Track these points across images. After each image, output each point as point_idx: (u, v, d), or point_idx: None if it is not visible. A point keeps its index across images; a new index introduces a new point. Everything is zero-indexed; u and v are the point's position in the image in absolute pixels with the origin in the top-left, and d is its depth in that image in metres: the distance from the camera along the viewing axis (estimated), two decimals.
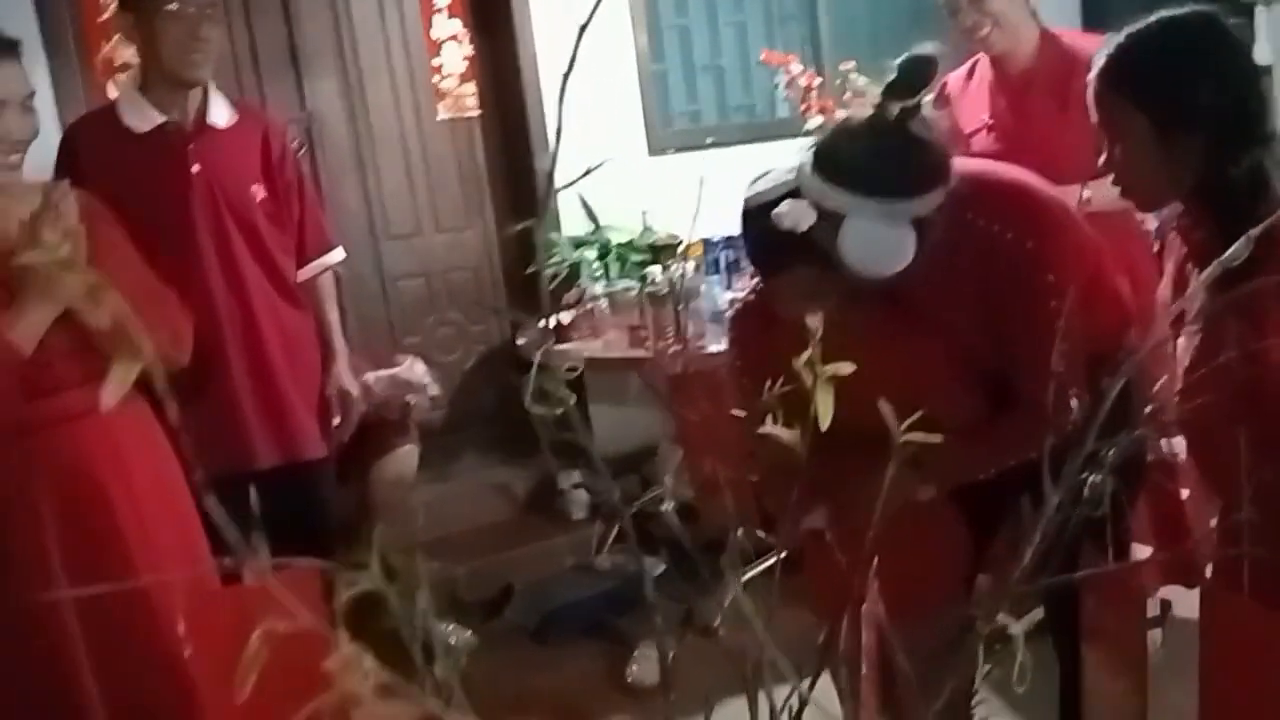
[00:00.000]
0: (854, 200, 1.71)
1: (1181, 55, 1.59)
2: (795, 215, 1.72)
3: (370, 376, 3.65)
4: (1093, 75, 1.63)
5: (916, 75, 1.73)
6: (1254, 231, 1.00)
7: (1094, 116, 1.64)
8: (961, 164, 1.88)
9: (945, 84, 3.11)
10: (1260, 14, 3.95)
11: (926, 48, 1.76)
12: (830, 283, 1.81)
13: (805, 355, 0.87)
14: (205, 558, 2.27)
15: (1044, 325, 1.68)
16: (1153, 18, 1.60)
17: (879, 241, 1.72)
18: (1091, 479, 0.95)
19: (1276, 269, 1.29)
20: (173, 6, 2.59)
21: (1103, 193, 2.63)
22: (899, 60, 1.75)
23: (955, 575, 2.07)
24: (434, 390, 3.88)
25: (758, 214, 1.83)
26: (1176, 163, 1.57)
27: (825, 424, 0.86)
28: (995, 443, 1.86)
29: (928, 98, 1.78)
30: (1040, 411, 1.62)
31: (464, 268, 4.67)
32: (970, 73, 3.08)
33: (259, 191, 2.80)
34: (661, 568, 3.87)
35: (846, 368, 0.86)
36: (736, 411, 1.96)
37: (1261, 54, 3.92)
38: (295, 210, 2.91)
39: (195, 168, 2.69)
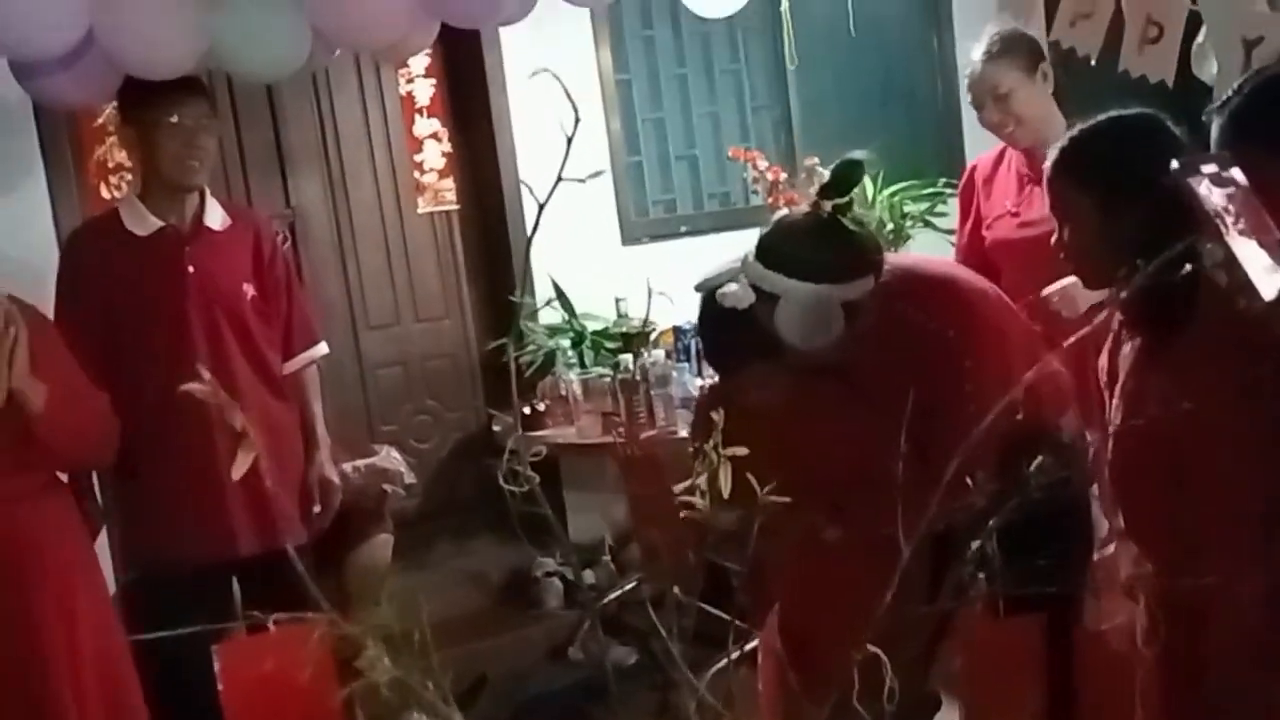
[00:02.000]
0: (787, 283, 1.96)
1: (1124, 143, 1.82)
2: (737, 295, 1.97)
3: (347, 466, 3.81)
4: (1047, 164, 1.86)
5: (846, 179, 1.99)
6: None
7: (1047, 203, 1.87)
8: (895, 259, 2.13)
9: (974, 167, 3.24)
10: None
11: (858, 154, 2.02)
12: (774, 370, 2.05)
13: (712, 438, 1.08)
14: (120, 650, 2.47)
15: (957, 407, 1.89)
16: (1103, 115, 1.85)
17: (808, 320, 1.96)
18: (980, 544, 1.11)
19: (1201, 331, 1.51)
20: (172, 119, 2.80)
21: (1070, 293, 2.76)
22: (833, 165, 2.01)
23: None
24: (410, 479, 4.02)
25: (708, 298, 2.08)
26: (1117, 239, 1.74)
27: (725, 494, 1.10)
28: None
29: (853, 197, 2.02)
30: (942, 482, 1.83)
31: (442, 356, 4.84)
32: (1000, 156, 3.18)
33: (249, 289, 2.99)
34: (635, 656, 4.03)
35: (742, 451, 1.10)
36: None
37: None
38: (283, 306, 3.09)
39: (190, 268, 2.90)
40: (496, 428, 4.16)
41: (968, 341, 2.04)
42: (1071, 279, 2.72)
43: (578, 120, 1.00)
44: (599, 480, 4.73)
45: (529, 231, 4.37)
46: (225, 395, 1.06)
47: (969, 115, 5.05)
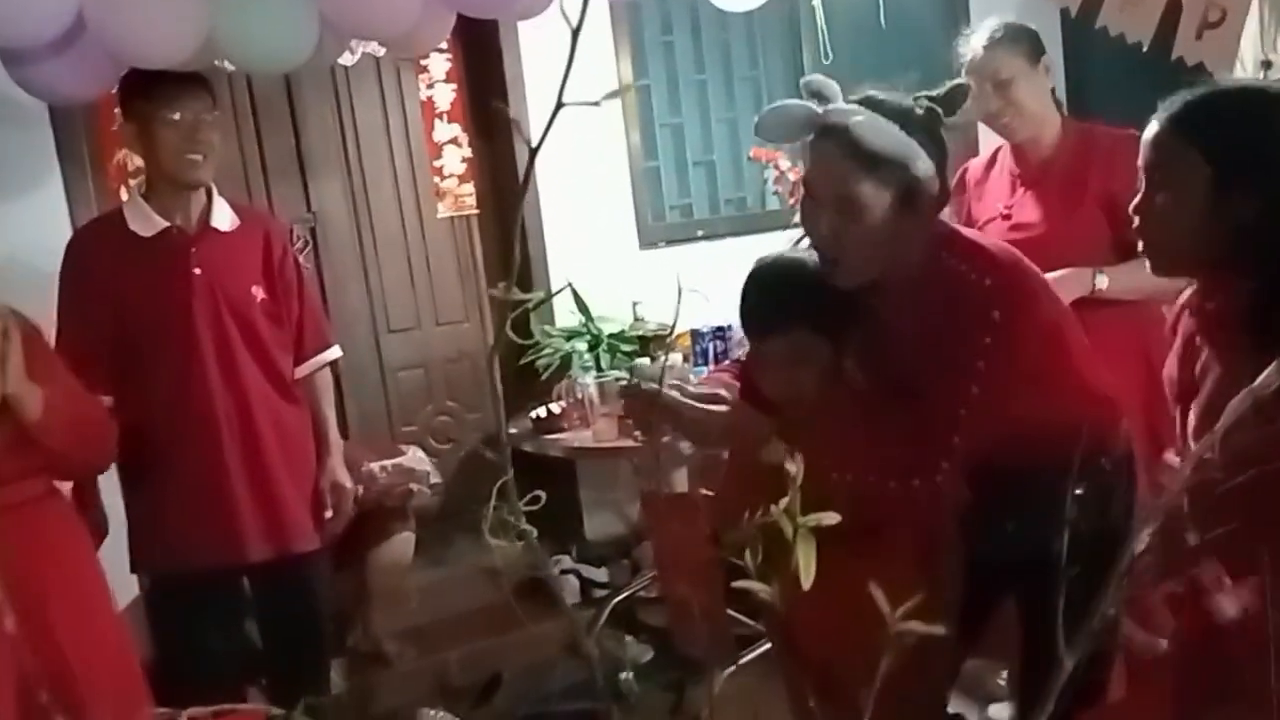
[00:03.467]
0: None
1: (1260, 120, 1.61)
2: (863, 124, 1.84)
3: (375, 465, 3.81)
4: (1160, 117, 1.67)
5: (954, 95, 1.94)
6: None
7: (1144, 159, 1.69)
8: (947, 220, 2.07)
9: (965, 170, 3.16)
10: None
11: (961, 80, 2.01)
12: (817, 348, 2.00)
13: (783, 503, 0.91)
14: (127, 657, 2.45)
15: (971, 350, 1.86)
16: (1230, 82, 1.69)
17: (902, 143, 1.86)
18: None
19: None
20: (174, 116, 2.76)
21: (1120, 280, 2.73)
22: (945, 88, 1.95)
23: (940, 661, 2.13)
24: (435, 478, 4.05)
25: (768, 271, 2.04)
26: (1219, 223, 1.59)
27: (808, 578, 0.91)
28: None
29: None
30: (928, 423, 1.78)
31: (461, 358, 4.86)
32: (991, 160, 3.11)
33: (259, 292, 2.96)
34: (650, 654, 3.98)
35: (831, 517, 0.91)
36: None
37: None
38: (294, 309, 3.07)
39: (197, 270, 2.86)
40: (513, 430, 4.11)
41: (1001, 294, 1.89)
42: (1064, 272, 2.66)
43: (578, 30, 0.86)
44: (614, 481, 4.74)
45: (546, 236, 4.31)
46: None
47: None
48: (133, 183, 3.70)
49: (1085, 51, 4.29)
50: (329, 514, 3.14)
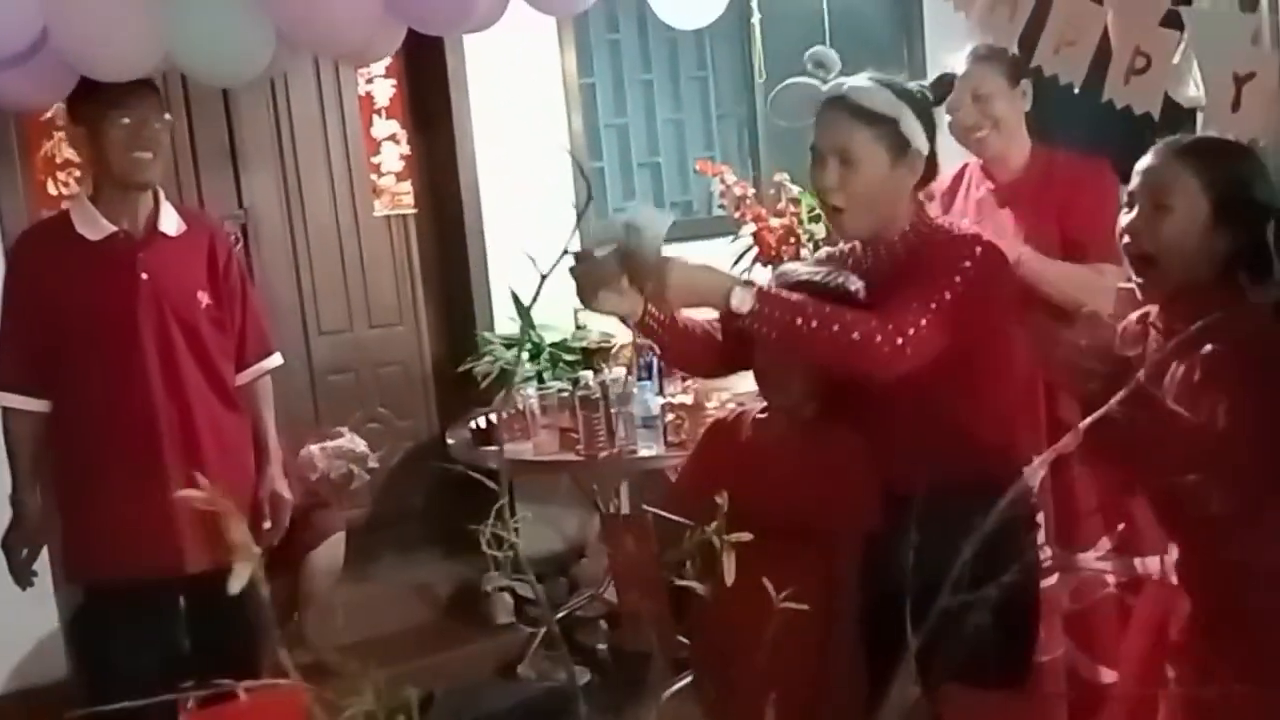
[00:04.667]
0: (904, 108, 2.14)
1: (1252, 168, 1.97)
2: (870, 92, 2.14)
3: (314, 448, 3.82)
4: (1162, 149, 1.98)
5: (940, 89, 2.27)
6: None
7: (1144, 184, 1.97)
8: None
9: (931, 185, 3.29)
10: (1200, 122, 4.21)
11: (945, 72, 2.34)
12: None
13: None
14: None
15: (932, 284, 2.04)
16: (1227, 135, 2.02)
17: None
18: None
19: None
20: (123, 119, 2.76)
21: (1035, 264, 2.86)
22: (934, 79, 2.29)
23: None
24: (373, 462, 4.09)
25: (793, 283, 2.20)
26: (1210, 249, 1.91)
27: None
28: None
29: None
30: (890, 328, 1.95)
31: (394, 363, 4.82)
32: (959, 175, 3.20)
33: (204, 297, 2.94)
34: (587, 676, 4.00)
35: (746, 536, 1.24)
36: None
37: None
38: (237, 315, 3.05)
39: (144, 275, 2.84)
40: (451, 440, 4.12)
41: (981, 254, 2.11)
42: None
43: (589, 200, 0.99)
44: (552, 495, 4.73)
45: (486, 238, 4.31)
46: (226, 502, 1.00)
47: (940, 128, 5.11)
48: (60, 175, 3.65)
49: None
50: (267, 525, 3.12)
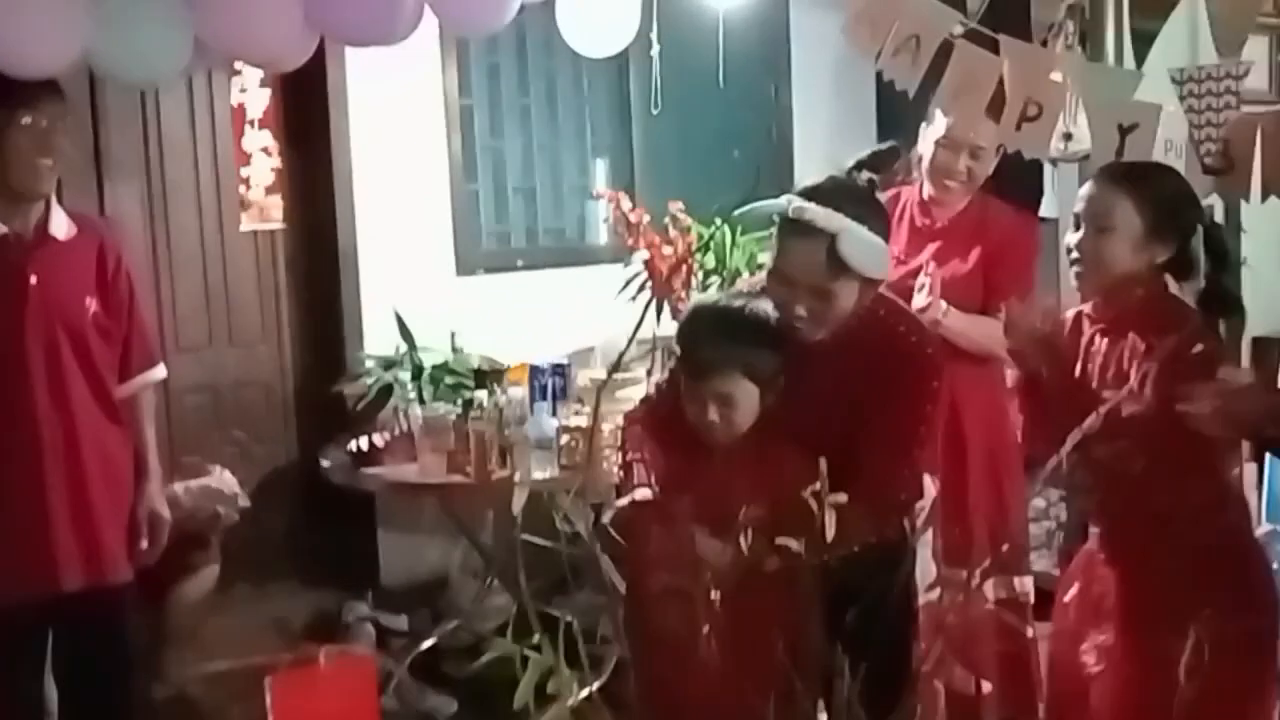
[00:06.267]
0: (847, 222, 2.23)
1: (1178, 190, 2.39)
2: (818, 214, 2.22)
3: (178, 487, 3.77)
4: (1102, 175, 2.40)
5: (882, 158, 2.40)
6: None
7: (1087, 208, 2.36)
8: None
9: None
10: (1049, 171, 4.62)
11: (890, 143, 2.46)
12: (749, 393, 2.30)
13: None
14: None
15: (914, 419, 2.27)
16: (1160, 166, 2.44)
17: (873, 251, 2.27)
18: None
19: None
20: (25, 120, 2.74)
21: (959, 323, 3.12)
22: (871, 150, 2.41)
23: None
24: (244, 501, 4.04)
25: (713, 311, 2.39)
26: (1144, 259, 2.33)
27: None
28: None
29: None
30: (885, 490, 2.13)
31: (255, 384, 4.81)
32: (893, 201, 3.34)
33: (92, 304, 2.93)
34: (454, 707, 4.06)
35: None
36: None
37: (1048, 208, 4.59)
38: (124, 324, 3.04)
39: (33, 279, 2.82)
40: (326, 462, 4.16)
41: (939, 367, 2.34)
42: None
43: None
44: (417, 521, 4.77)
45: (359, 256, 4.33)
46: None
47: (800, 167, 5.38)
48: None
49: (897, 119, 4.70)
50: (144, 544, 3.13)
